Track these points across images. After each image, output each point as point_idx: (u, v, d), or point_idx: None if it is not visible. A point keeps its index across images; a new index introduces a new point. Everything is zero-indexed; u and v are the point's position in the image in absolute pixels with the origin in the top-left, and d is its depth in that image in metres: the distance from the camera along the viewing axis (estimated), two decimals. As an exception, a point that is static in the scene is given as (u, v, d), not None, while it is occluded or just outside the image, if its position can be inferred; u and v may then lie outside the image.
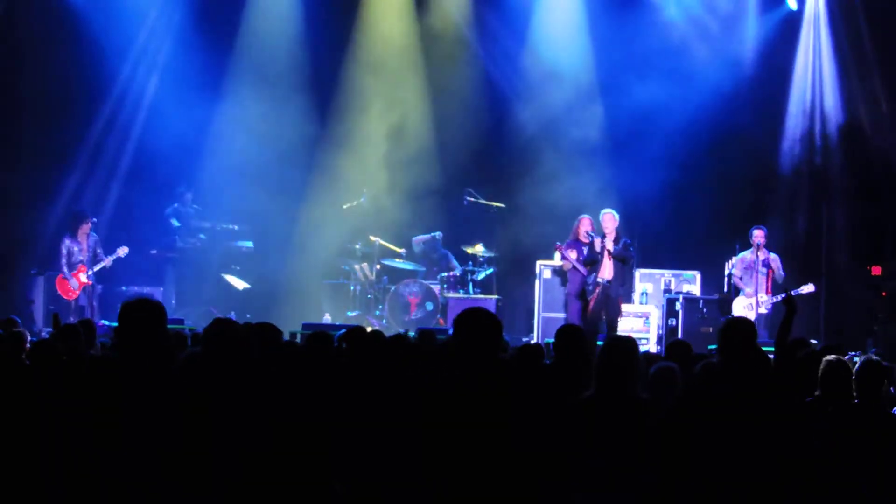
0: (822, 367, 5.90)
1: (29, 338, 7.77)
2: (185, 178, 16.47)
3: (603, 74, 16.41)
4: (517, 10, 16.73)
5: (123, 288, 15.40)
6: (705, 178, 16.06)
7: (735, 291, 14.27)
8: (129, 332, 4.77)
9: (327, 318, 15.73)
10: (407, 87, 16.92)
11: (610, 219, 13.31)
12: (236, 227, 16.46)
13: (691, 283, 15.38)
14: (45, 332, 13.15)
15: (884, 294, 15.20)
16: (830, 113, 15.89)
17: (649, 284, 15.50)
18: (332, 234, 16.43)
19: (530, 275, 15.44)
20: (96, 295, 14.74)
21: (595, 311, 13.09)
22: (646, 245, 16.09)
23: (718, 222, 15.87)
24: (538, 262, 15.27)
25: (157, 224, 16.18)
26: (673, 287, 15.26)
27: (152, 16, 16.51)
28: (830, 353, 6.13)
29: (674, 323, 14.40)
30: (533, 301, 15.26)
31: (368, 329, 7.47)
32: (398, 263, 16.15)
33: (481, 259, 15.89)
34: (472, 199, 16.06)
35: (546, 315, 14.88)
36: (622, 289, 13.35)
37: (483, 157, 16.93)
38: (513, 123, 16.53)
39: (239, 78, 16.67)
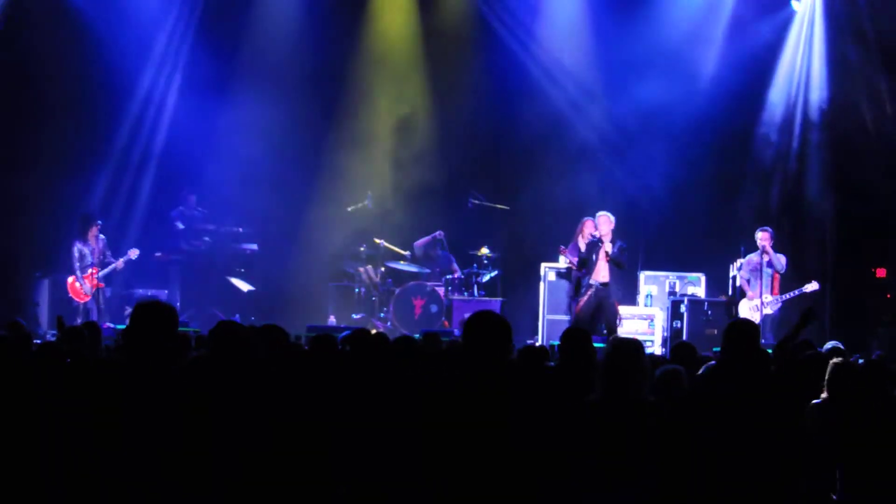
0: (829, 369, 5.90)
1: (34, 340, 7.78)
2: (189, 180, 16.48)
3: (606, 74, 16.37)
4: (521, 10, 16.71)
5: (133, 290, 15.42)
6: (710, 179, 16.04)
7: (741, 293, 14.28)
8: (139, 334, 4.78)
9: (332, 321, 15.74)
10: (412, 89, 16.92)
11: (605, 221, 13.28)
12: (241, 230, 16.46)
13: (696, 286, 15.37)
14: (50, 335, 13.17)
15: (888, 296, 15.20)
16: (836, 115, 15.86)
17: (654, 287, 15.50)
18: (336, 236, 16.43)
19: (535, 277, 15.44)
20: (104, 297, 14.79)
21: (584, 312, 13.08)
22: (651, 247, 16.08)
23: (723, 224, 15.86)
24: (543, 265, 15.28)
25: (162, 226, 16.19)
26: (678, 289, 15.25)
27: (159, 18, 16.51)
28: (835, 356, 6.13)
29: (679, 325, 14.40)
30: (537, 303, 15.26)
31: (373, 331, 7.47)
32: (403, 266, 16.14)
33: (486, 261, 15.89)
34: (477, 202, 16.06)
35: (551, 317, 14.90)
36: (618, 293, 13.30)
37: (487, 159, 16.95)
38: (517, 125, 16.50)
39: (243, 79, 16.67)
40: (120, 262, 14.69)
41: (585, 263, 13.24)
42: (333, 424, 5.27)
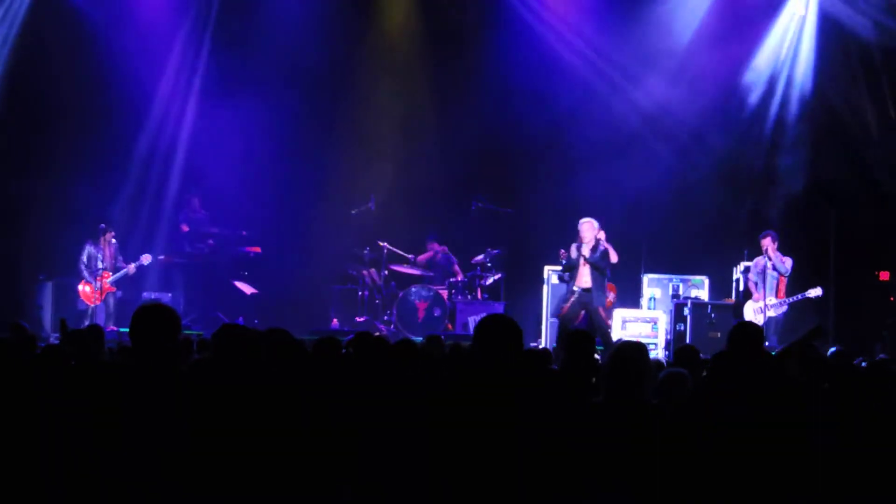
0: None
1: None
2: (193, 183, 16.51)
3: (609, 76, 16.36)
4: (524, 12, 16.70)
5: (140, 294, 15.45)
6: (714, 182, 16.03)
7: (745, 296, 14.31)
8: (141, 337, 4.79)
9: (335, 324, 15.74)
10: (415, 92, 16.92)
11: (588, 228, 13.27)
12: (244, 233, 16.47)
13: (699, 289, 15.37)
14: (53, 338, 13.18)
15: (892, 299, 15.19)
16: (840, 118, 15.85)
17: (657, 289, 15.50)
18: (340, 239, 16.44)
19: (538, 280, 15.44)
20: (114, 301, 14.88)
21: (569, 316, 13.10)
22: (654, 250, 16.07)
23: (727, 227, 15.85)
24: (546, 268, 15.29)
25: (166, 229, 16.22)
26: (681, 292, 15.25)
27: (164, 24, 16.54)
28: (840, 359, 6.13)
29: (682, 328, 14.40)
30: (541, 306, 15.27)
31: (375, 334, 7.48)
32: (406, 269, 16.16)
33: (489, 264, 15.89)
34: (481, 205, 16.07)
35: (554, 320, 14.90)
36: (601, 299, 13.31)
37: (491, 162, 16.94)
38: (520, 127, 16.48)
39: (246, 83, 16.69)
40: (132, 267, 14.85)
41: (571, 268, 13.28)
42: (336, 427, 5.27)
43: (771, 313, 13.85)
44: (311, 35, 16.41)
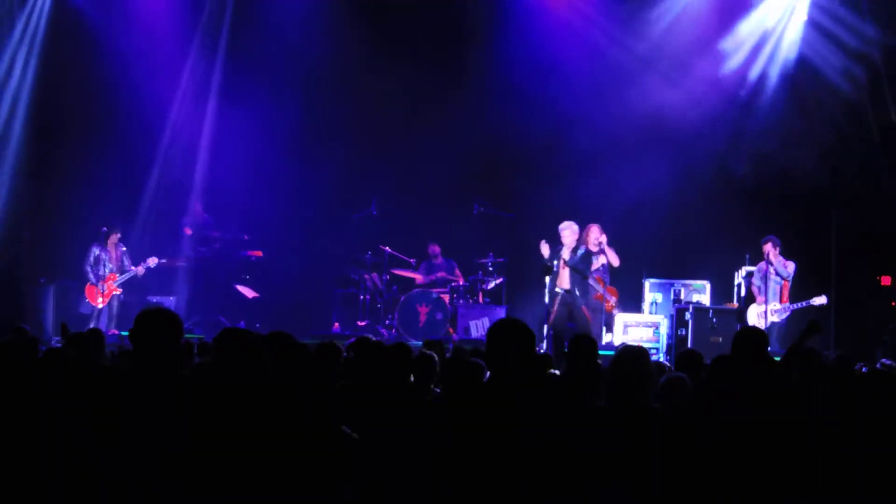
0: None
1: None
2: (195, 187, 16.53)
3: (610, 78, 16.35)
4: (524, 16, 16.71)
5: (143, 297, 15.48)
6: (715, 186, 16.03)
7: (747, 301, 14.31)
8: (143, 340, 4.79)
9: (336, 328, 15.75)
10: (417, 97, 16.92)
11: (570, 233, 13.44)
12: (246, 237, 16.48)
13: (701, 293, 15.36)
14: (55, 341, 13.19)
15: (893, 304, 15.17)
16: (840, 123, 15.84)
17: (659, 294, 15.51)
18: (342, 243, 16.45)
19: (539, 284, 15.43)
20: (118, 303, 14.93)
21: (557, 320, 13.21)
22: (656, 254, 16.06)
23: (729, 232, 15.84)
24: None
25: (169, 233, 16.24)
26: (682, 297, 15.24)
27: (168, 28, 16.58)
28: (842, 364, 6.13)
29: (683, 333, 14.38)
30: (542, 310, 15.25)
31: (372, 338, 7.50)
32: (408, 273, 16.17)
33: (491, 268, 15.90)
34: (482, 209, 16.07)
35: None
36: (582, 299, 13.39)
37: (492, 166, 16.96)
38: (521, 131, 16.46)
39: (248, 86, 16.72)
40: (140, 269, 14.92)
41: (549, 271, 13.44)
42: (337, 430, 5.27)
43: (774, 318, 13.85)
44: (311, 41, 16.44)
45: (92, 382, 4.99)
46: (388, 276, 16.08)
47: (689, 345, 13.77)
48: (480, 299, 15.77)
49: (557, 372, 7.83)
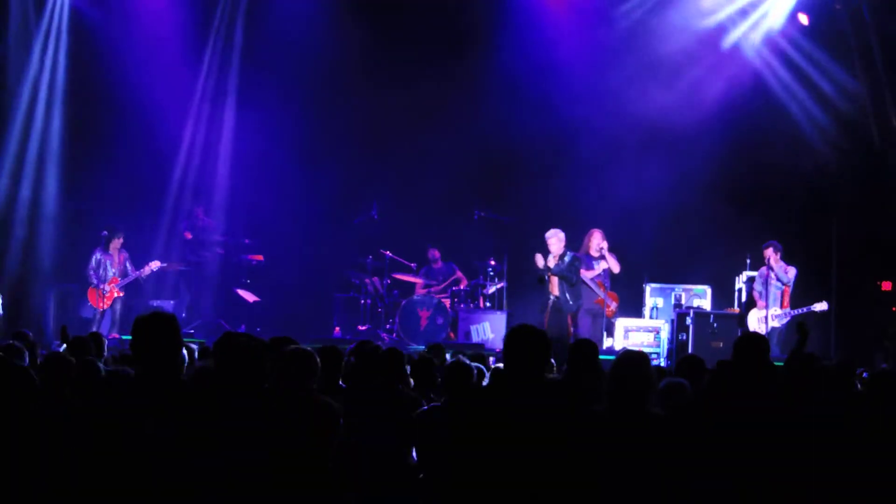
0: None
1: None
2: (196, 192, 16.55)
3: (611, 83, 16.34)
4: (526, 22, 16.70)
5: (144, 301, 15.50)
6: (716, 191, 16.01)
7: (748, 306, 14.31)
8: (143, 345, 4.80)
9: (337, 332, 15.75)
10: (419, 101, 16.92)
11: (555, 241, 13.50)
12: (247, 241, 16.49)
13: (702, 298, 15.35)
14: (55, 345, 13.19)
15: (894, 309, 15.17)
16: (841, 128, 15.84)
17: (660, 299, 15.49)
18: (342, 247, 16.45)
19: (540, 288, 15.41)
20: (121, 306, 14.96)
21: (551, 325, 13.27)
22: (656, 259, 16.06)
23: (729, 237, 15.83)
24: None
25: (170, 237, 16.25)
26: (683, 301, 15.23)
27: (172, 31, 16.59)
28: (843, 369, 6.12)
29: (684, 337, 14.37)
30: (542, 315, 15.23)
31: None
32: (409, 277, 16.17)
33: (491, 273, 15.89)
34: (483, 214, 16.07)
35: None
36: (571, 304, 13.43)
37: (493, 171, 16.96)
38: (523, 136, 16.46)
39: (249, 89, 16.74)
40: (144, 271, 14.95)
41: (542, 281, 13.48)
42: (338, 434, 5.27)
43: (775, 324, 13.86)
44: (312, 47, 16.44)
45: (92, 386, 4.99)
46: (388, 281, 16.08)
47: (689, 349, 13.76)
48: (481, 304, 15.77)
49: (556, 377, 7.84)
